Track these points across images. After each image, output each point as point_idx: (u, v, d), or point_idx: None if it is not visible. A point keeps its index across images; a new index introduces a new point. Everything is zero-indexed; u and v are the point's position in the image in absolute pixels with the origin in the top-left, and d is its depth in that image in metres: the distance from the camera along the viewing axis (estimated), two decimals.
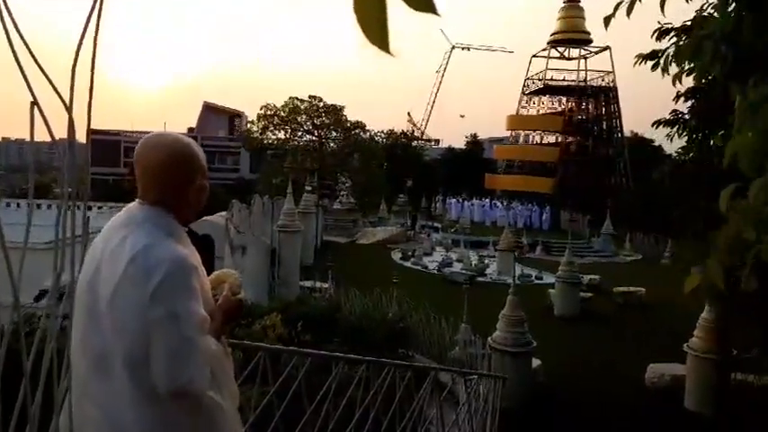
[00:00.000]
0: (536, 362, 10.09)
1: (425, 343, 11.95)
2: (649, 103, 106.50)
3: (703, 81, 5.96)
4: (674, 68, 6.34)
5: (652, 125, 6.17)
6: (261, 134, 33.94)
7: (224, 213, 17.83)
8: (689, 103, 5.95)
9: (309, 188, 24.37)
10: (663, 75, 6.17)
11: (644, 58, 6.47)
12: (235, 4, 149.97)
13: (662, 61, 5.87)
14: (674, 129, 6.01)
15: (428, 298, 15.11)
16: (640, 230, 32.10)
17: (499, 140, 59.90)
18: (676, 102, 6.10)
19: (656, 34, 6.33)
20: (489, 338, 9.72)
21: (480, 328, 11.17)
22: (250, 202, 20.78)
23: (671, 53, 5.97)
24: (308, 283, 15.41)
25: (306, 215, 21.88)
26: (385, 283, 14.01)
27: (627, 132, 50.20)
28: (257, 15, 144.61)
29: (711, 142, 5.50)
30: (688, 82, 6.74)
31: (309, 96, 32.98)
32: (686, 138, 6.04)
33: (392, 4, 0.53)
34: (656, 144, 56.03)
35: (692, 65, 6.12)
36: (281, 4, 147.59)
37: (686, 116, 6.02)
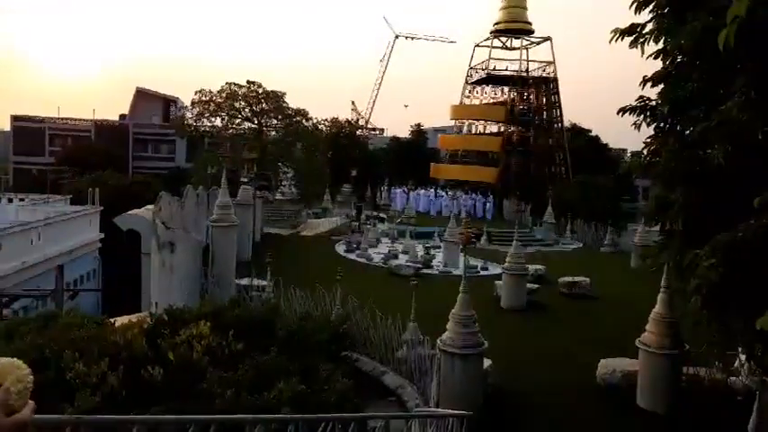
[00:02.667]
0: (487, 361, 9.59)
1: (371, 344, 11.31)
2: (587, 94, 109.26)
3: (676, 61, 5.49)
4: (651, 48, 5.87)
5: (618, 112, 5.65)
6: (196, 121, 32.35)
7: (152, 207, 16.60)
8: (658, 89, 5.44)
9: (246, 179, 23.23)
10: (642, 52, 5.67)
11: (622, 33, 5.97)
12: None
13: (646, 36, 5.36)
14: (642, 116, 5.49)
15: (374, 293, 14.46)
16: (580, 219, 32.48)
17: (443, 130, 59.85)
18: (643, 87, 5.61)
19: (634, 5, 5.85)
20: (438, 340, 9.13)
21: (428, 324, 10.65)
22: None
23: (653, 27, 5.47)
24: (244, 281, 14.46)
25: (244, 207, 20.79)
26: (328, 278, 13.26)
27: (566, 123, 50.93)
28: (195, 2, 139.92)
29: (687, 132, 5.02)
30: (656, 66, 6.28)
31: (248, 82, 31.65)
32: (654, 126, 5.56)
33: None
34: (594, 134, 57.51)
35: (663, 45, 5.64)
36: None
37: (656, 102, 5.50)
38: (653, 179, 5.28)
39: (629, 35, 5.15)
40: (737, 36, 2.65)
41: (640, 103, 5.58)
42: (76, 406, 6.81)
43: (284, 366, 8.17)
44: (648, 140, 5.66)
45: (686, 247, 4.71)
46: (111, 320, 10.40)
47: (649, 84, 5.60)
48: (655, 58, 5.60)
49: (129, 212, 21.03)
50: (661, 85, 5.52)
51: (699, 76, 4.91)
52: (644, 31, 5.10)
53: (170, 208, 16.97)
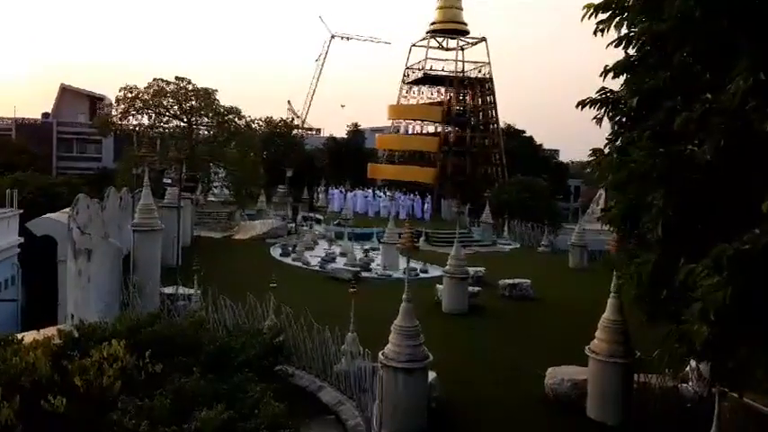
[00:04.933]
0: (431, 374, 9.01)
1: (307, 356, 10.53)
2: (521, 95, 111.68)
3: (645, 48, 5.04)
4: (611, 35, 5.39)
5: (576, 106, 5.17)
6: (121, 119, 30.46)
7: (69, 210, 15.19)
8: (621, 80, 4.98)
9: (169, 180, 21.89)
10: (618, 29, 5.16)
11: (596, 8, 5.47)
12: None
13: (621, 14, 4.84)
14: (604, 110, 5.02)
15: (310, 301, 13.69)
16: (517, 219, 32.71)
17: (381, 130, 59.46)
18: (604, 78, 5.14)
19: None
20: (381, 354, 8.47)
21: (369, 332, 10.00)
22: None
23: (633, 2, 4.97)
24: (169, 290, 13.36)
25: (171, 210, 19.49)
26: (262, 285, 12.38)
27: (501, 124, 51.56)
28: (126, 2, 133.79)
29: (660, 126, 4.55)
30: (617, 55, 5.84)
31: (176, 78, 30.04)
32: (617, 120, 5.10)
33: None
34: (528, 135, 58.59)
35: (628, 31, 5.16)
36: None
37: (620, 94, 5.04)
38: (625, 179, 4.78)
39: (605, 11, 4.65)
40: (735, 13, 2.11)
41: (602, 95, 5.11)
42: None
43: (209, 390, 7.30)
44: (611, 137, 5.21)
45: (667, 259, 4.27)
46: (20, 336, 9.19)
47: (611, 75, 5.13)
48: (616, 47, 5.15)
49: (44, 216, 19.36)
50: (623, 76, 5.07)
51: (679, 61, 4.46)
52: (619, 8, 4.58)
53: (88, 211, 15.60)
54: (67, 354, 8.12)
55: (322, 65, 77.44)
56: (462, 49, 49.66)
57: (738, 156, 3.94)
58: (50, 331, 10.33)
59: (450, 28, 48.62)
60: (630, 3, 4.71)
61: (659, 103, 4.63)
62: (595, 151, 5.77)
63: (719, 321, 3.76)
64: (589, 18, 4.84)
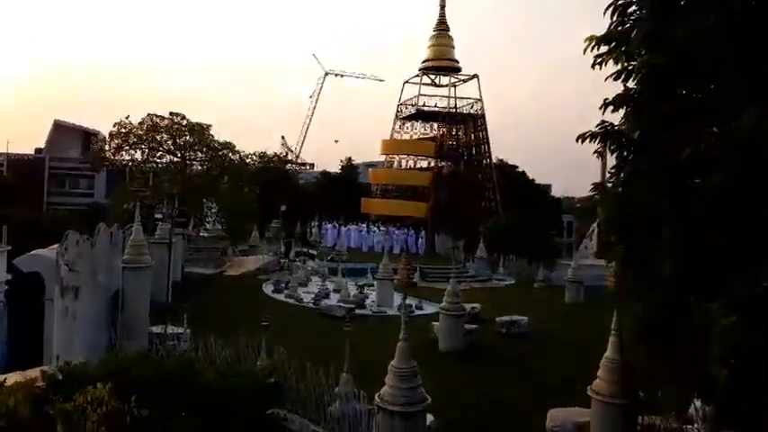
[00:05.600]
0: (429, 417, 8.69)
1: (300, 399, 10.18)
2: (513, 130, 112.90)
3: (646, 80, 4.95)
4: (610, 69, 5.32)
5: (577, 139, 5.06)
6: (114, 154, 30.35)
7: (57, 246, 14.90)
8: (621, 112, 4.89)
9: (160, 215, 21.66)
10: (618, 61, 5.08)
11: (598, 41, 5.41)
12: (99, 19, 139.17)
13: (623, 46, 4.77)
14: (605, 144, 4.91)
15: (303, 339, 13.39)
16: (512, 254, 32.56)
17: (374, 165, 59.69)
18: (603, 111, 5.05)
19: (609, 9, 5.31)
20: (377, 396, 8.17)
21: (364, 373, 9.70)
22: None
23: (636, 34, 4.90)
24: (158, 329, 13.01)
25: (162, 246, 19.22)
26: (254, 322, 12.06)
27: (494, 159, 51.89)
28: (119, 30, 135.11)
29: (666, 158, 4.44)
30: (617, 88, 5.77)
31: (170, 113, 30.06)
32: (618, 154, 4.99)
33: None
34: (521, 170, 58.95)
35: (627, 64, 5.09)
36: (146, 19, 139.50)
37: (620, 128, 4.94)
38: (630, 214, 4.63)
39: (607, 43, 4.58)
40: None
41: (602, 128, 5.01)
42: None
43: None
44: (613, 170, 5.09)
45: (677, 296, 4.10)
46: (2, 378, 8.84)
47: (610, 108, 5.04)
48: (615, 80, 5.07)
49: (32, 253, 19.01)
50: (623, 110, 4.98)
51: (686, 91, 4.37)
52: (616, 44, 4.51)
53: (77, 248, 15.30)
54: (50, 397, 7.80)
55: (316, 101, 78.32)
56: (454, 86, 50.29)
57: (750, 187, 3.82)
58: (34, 373, 9.96)
59: (442, 65, 49.30)
60: (633, 35, 4.64)
61: (663, 136, 4.53)
62: (597, 185, 5.64)
63: (738, 364, 3.57)
64: (591, 50, 4.77)
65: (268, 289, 23.36)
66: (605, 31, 4.73)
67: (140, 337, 12.73)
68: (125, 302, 13.52)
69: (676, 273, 4.10)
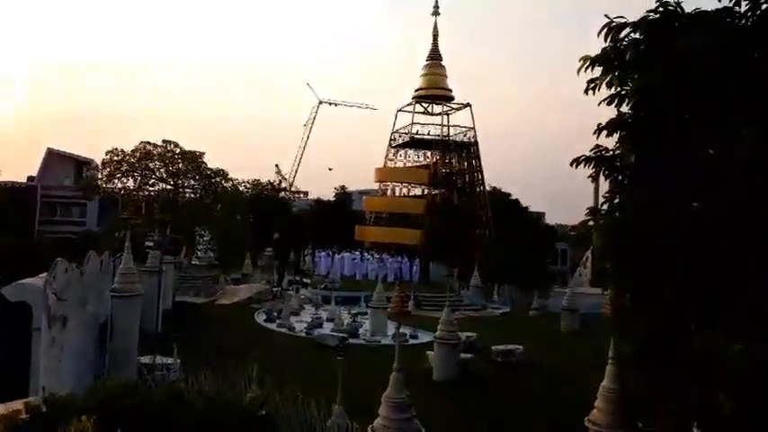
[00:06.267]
0: None
1: (293, 431, 9.91)
2: (505, 158, 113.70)
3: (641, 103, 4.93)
4: (603, 93, 5.30)
5: (571, 164, 5.01)
6: (106, 182, 30.27)
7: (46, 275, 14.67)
8: (615, 137, 4.86)
9: (151, 243, 21.49)
10: (612, 85, 5.06)
11: (592, 61, 5.40)
12: (90, 48, 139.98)
13: (615, 70, 4.76)
14: (600, 168, 4.86)
15: (295, 369, 13.12)
16: (507, 282, 32.45)
17: (368, 192, 59.77)
18: (597, 136, 5.01)
19: (604, 31, 5.31)
20: (370, 428, 7.97)
21: (358, 403, 9.46)
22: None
23: (630, 55, 4.88)
24: (147, 359, 12.74)
25: (153, 274, 18.98)
26: (245, 352, 11.82)
27: (487, 186, 52.06)
28: (113, 62, 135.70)
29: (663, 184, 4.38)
30: (609, 113, 5.75)
31: (164, 141, 30.12)
32: (615, 177, 4.94)
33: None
34: (515, 198, 59.12)
35: (620, 89, 5.07)
36: (140, 51, 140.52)
37: (614, 152, 4.91)
38: (626, 237, 4.55)
39: (601, 64, 4.56)
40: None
41: (596, 153, 4.97)
42: None
43: None
44: (607, 195, 5.03)
45: (679, 323, 4.00)
46: None
47: (604, 133, 5.00)
48: (608, 104, 5.05)
49: (21, 281, 18.73)
50: (617, 134, 4.95)
51: (681, 113, 4.34)
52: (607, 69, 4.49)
53: (66, 276, 15.08)
54: (32, 430, 7.55)
55: (310, 129, 78.66)
56: (447, 114, 50.74)
57: (751, 211, 3.76)
58: (17, 405, 9.70)
59: (435, 94, 49.79)
60: (627, 57, 4.64)
61: (659, 160, 4.49)
62: (592, 210, 5.57)
63: (743, 394, 3.46)
64: (585, 71, 4.76)
65: (260, 318, 23.07)
66: (599, 52, 4.72)
67: (129, 367, 12.47)
68: (114, 332, 13.27)
69: (676, 297, 4.01)
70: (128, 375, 11.94)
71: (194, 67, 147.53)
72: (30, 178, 57.56)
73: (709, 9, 4.37)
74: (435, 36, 49.92)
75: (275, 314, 22.99)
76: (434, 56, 49.94)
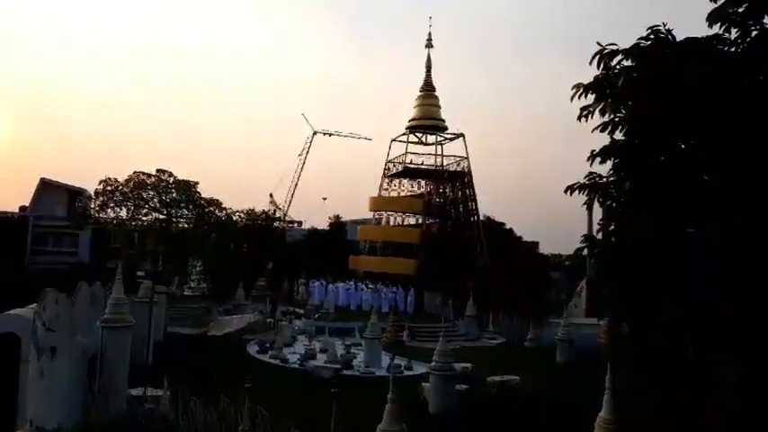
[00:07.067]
0: None
1: None
2: (500, 188, 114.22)
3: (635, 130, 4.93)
4: (595, 120, 5.32)
5: (565, 191, 4.99)
6: (98, 212, 30.11)
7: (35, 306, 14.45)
8: (609, 164, 4.86)
9: (142, 273, 21.29)
10: (605, 112, 5.07)
11: (585, 88, 5.43)
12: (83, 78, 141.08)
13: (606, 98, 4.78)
14: (594, 195, 4.85)
15: (288, 401, 12.90)
16: (502, 312, 32.22)
17: (362, 222, 59.74)
18: (591, 163, 5.01)
19: (596, 58, 5.34)
20: None
21: None
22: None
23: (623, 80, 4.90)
24: (137, 391, 12.50)
25: (144, 305, 18.75)
26: (237, 385, 11.60)
27: (481, 216, 52.11)
28: (104, 93, 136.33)
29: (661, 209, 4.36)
30: (603, 140, 5.76)
31: (157, 170, 30.08)
32: (609, 204, 4.92)
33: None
34: (508, 227, 59.14)
35: (613, 116, 5.09)
36: (131, 81, 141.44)
37: (608, 179, 4.90)
38: (623, 264, 4.51)
39: (594, 91, 4.58)
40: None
41: (590, 180, 4.96)
42: None
43: None
44: (602, 222, 5.01)
45: (675, 347, 3.93)
46: None
47: (598, 160, 5.00)
48: (601, 131, 5.06)
49: (9, 312, 18.47)
50: (611, 161, 4.94)
51: (671, 144, 4.34)
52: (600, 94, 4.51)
53: (56, 307, 14.86)
54: None
55: (304, 159, 78.98)
56: (441, 144, 51.09)
57: (745, 234, 3.73)
58: None
59: (428, 124, 50.22)
60: (619, 84, 4.66)
61: (653, 185, 4.47)
62: (587, 238, 5.54)
63: (746, 423, 3.38)
64: (579, 98, 4.79)
65: (253, 349, 22.76)
66: (592, 79, 4.75)
67: (118, 399, 12.21)
68: (103, 363, 13.02)
69: (674, 323, 3.95)
70: (117, 408, 11.70)
71: (188, 95, 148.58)
72: (22, 208, 57.34)
73: (700, 36, 4.42)
74: (428, 67, 50.65)
75: (268, 345, 22.70)
76: (428, 87, 50.55)
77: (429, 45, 50.28)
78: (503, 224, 58.76)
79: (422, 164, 50.84)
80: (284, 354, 21.54)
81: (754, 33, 4.31)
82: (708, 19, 4.40)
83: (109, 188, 29.28)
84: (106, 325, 13.65)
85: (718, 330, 3.70)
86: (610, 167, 4.89)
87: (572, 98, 4.78)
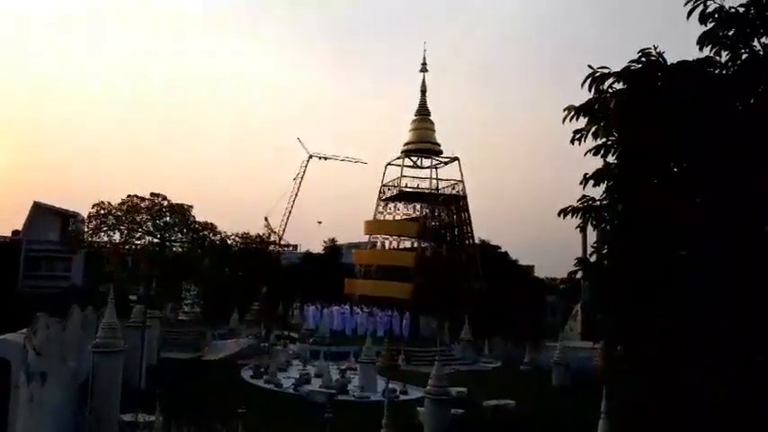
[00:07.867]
0: None
1: None
2: (494, 211, 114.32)
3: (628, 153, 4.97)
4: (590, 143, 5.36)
5: (558, 214, 5.00)
6: (92, 236, 29.99)
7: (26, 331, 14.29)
8: (602, 187, 4.88)
9: (135, 297, 21.14)
10: (598, 135, 5.11)
11: (577, 111, 5.47)
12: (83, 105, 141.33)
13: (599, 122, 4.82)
14: (587, 218, 4.86)
15: (283, 427, 12.72)
16: (498, 336, 32.09)
17: (358, 245, 59.64)
18: (584, 186, 5.03)
19: (588, 81, 5.40)
20: None
21: None
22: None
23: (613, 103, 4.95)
24: (128, 417, 12.30)
25: (137, 329, 18.56)
26: (231, 410, 11.47)
27: (476, 239, 52.16)
28: (105, 117, 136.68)
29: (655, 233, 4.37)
30: (596, 163, 5.80)
31: (151, 194, 30.05)
32: (602, 227, 4.94)
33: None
34: (503, 251, 59.15)
35: (606, 139, 5.13)
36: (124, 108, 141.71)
37: (601, 202, 4.92)
38: (617, 288, 4.50)
39: (585, 114, 4.62)
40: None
41: (584, 203, 4.97)
42: None
43: None
44: (596, 245, 5.01)
45: (673, 372, 3.90)
46: None
47: (591, 183, 5.03)
48: (594, 155, 5.10)
49: (1, 337, 18.26)
50: (604, 184, 4.98)
51: (665, 168, 4.37)
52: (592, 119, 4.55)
53: (47, 332, 14.69)
54: None
55: (299, 183, 79.10)
56: (436, 168, 51.35)
57: (738, 257, 3.74)
58: None
59: (423, 148, 50.51)
60: (611, 106, 4.72)
61: (648, 208, 4.50)
62: (580, 260, 5.54)
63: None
64: (570, 121, 4.83)
65: (247, 374, 22.51)
66: (584, 102, 4.80)
67: (110, 425, 12.03)
68: (95, 388, 12.86)
69: (669, 346, 3.93)
70: None
71: (182, 119, 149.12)
72: (15, 232, 57.07)
73: (691, 59, 4.49)
74: (423, 91, 51.11)
75: (262, 370, 22.46)
76: (423, 111, 50.95)
77: (424, 69, 50.89)
78: (498, 247, 58.80)
79: (417, 187, 51.03)
80: (278, 378, 21.32)
81: (744, 56, 4.39)
82: (698, 42, 4.48)
83: (102, 212, 29.20)
84: (98, 350, 13.51)
85: (713, 338, 3.70)
86: (603, 190, 4.92)
87: (564, 120, 4.83)
